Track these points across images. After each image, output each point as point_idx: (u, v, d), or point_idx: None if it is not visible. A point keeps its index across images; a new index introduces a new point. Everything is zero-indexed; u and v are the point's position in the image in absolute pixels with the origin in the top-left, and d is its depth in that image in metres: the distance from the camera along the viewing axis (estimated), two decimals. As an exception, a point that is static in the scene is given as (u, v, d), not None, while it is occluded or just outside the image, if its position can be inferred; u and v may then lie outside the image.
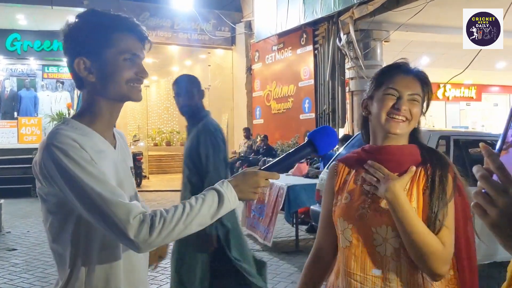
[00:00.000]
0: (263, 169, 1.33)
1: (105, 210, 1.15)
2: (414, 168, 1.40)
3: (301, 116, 11.80)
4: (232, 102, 15.41)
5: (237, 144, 14.25)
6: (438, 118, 18.14)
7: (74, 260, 1.26)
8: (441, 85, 16.98)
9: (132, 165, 1.46)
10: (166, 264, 5.43)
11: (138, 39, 1.33)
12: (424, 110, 1.46)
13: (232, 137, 15.13)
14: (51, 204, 1.26)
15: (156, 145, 20.85)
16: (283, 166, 1.36)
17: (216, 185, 1.28)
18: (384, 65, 6.80)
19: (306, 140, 1.40)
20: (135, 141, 15.50)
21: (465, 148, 4.55)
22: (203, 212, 1.22)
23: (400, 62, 1.49)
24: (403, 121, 1.41)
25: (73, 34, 1.30)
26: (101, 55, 1.28)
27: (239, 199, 1.29)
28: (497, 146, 0.73)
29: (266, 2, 12.53)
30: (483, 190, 0.70)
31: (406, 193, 1.37)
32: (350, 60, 10.04)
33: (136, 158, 13.11)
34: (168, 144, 20.56)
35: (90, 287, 1.25)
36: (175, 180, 14.38)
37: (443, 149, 4.47)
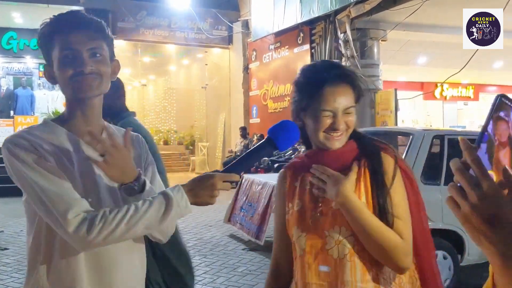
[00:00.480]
0: (222, 171, 1.29)
1: (47, 204, 1.18)
2: (356, 166, 1.37)
3: (336, 133, 11.72)
4: (229, 101, 15.38)
5: (233, 143, 14.21)
6: (435, 118, 18.15)
7: (34, 258, 1.28)
8: (438, 85, 16.97)
9: None
10: (159, 263, 5.40)
11: (79, 31, 1.29)
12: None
13: (229, 136, 15.10)
14: (24, 200, 1.31)
15: (153, 144, 20.81)
16: (244, 166, 1.31)
17: (167, 189, 1.26)
18: (381, 64, 6.70)
19: (266, 137, 1.34)
20: (131, 140, 15.47)
21: (460, 148, 4.50)
22: (149, 216, 1.20)
23: (324, 66, 1.43)
24: (341, 134, 1.39)
25: (38, 43, 1.37)
26: (50, 59, 1.32)
27: (195, 204, 1.26)
28: (476, 140, 0.72)
29: (263, 1, 12.49)
30: (458, 184, 0.68)
31: (354, 191, 1.34)
32: (347, 59, 10.01)
33: (133, 157, 13.11)
34: (166, 143, 20.50)
35: (48, 285, 1.25)
36: (171, 179, 14.21)
37: (437, 149, 4.43)
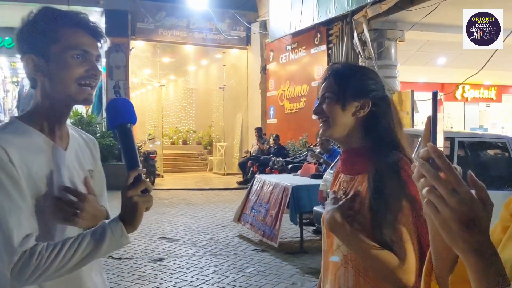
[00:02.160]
0: (127, 180, 1.22)
1: None
2: (344, 199, 1.38)
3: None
4: (246, 101, 15.40)
5: (251, 144, 14.23)
6: (456, 119, 17.84)
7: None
8: (460, 86, 16.67)
9: (91, 167, 1.40)
10: (169, 262, 5.45)
11: (90, 35, 1.27)
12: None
13: (247, 136, 15.13)
14: None
15: (173, 143, 21.00)
16: (132, 155, 1.23)
17: (106, 222, 1.22)
18: (398, 65, 6.74)
19: (116, 131, 1.26)
20: (150, 139, 15.63)
21: (471, 150, 4.43)
22: (82, 252, 1.17)
23: None
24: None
25: (23, 32, 1.26)
26: (49, 52, 1.23)
27: (132, 228, 1.22)
28: (431, 141, 0.75)
29: (280, 2, 12.48)
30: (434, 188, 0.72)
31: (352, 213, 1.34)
32: (364, 59, 9.93)
33: (150, 156, 13.20)
34: (185, 143, 20.68)
35: None
36: (189, 179, 14.45)
37: (447, 151, 4.37)
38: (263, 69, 14.44)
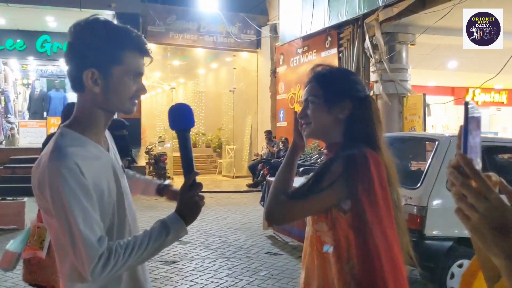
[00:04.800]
0: (187, 182, 1.40)
1: (76, 240, 1.22)
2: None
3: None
4: (256, 105, 15.42)
5: (260, 147, 14.24)
6: (467, 123, 17.70)
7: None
8: (470, 90, 16.60)
9: (121, 163, 1.51)
10: (182, 265, 5.47)
11: (143, 57, 1.38)
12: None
13: (256, 139, 15.14)
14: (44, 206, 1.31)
15: (182, 146, 21.04)
16: (189, 162, 1.42)
17: (166, 219, 1.35)
18: (410, 69, 6.84)
19: (177, 134, 1.44)
20: (160, 142, 15.67)
21: (486, 155, 4.41)
22: (150, 247, 1.30)
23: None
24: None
25: (84, 44, 1.31)
26: (110, 71, 1.32)
27: (190, 222, 1.38)
28: (462, 149, 0.77)
29: (291, 5, 12.51)
30: (462, 195, 0.74)
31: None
32: (375, 63, 9.92)
33: (161, 159, 13.26)
34: (194, 145, 20.72)
35: None
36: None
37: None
38: (273, 72, 14.45)
